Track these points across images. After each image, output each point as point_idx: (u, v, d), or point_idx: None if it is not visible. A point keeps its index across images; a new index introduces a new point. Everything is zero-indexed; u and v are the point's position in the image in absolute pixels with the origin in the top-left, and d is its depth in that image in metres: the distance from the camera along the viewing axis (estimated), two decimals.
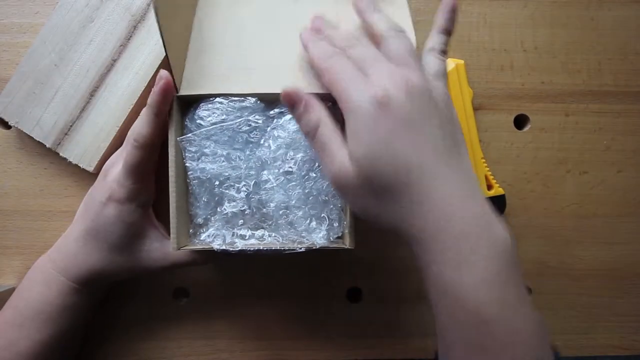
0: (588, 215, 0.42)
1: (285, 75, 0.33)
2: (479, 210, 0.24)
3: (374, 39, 0.29)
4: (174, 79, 0.30)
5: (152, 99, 0.30)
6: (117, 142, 0.37)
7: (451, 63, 0.40)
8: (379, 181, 0.25)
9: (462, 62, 0.40)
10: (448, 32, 0.31)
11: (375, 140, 0.25)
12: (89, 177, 0.38)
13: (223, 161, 0.33)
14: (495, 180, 0.40)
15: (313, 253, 0.31)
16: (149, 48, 0.36)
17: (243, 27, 0.34)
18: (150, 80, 0.36)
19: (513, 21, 0.41)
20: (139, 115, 0.36)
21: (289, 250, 0.31)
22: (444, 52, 0.30)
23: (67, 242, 0.35)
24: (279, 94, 0.32)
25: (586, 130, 0.42)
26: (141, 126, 0.31)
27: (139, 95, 0.36)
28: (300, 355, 0.41)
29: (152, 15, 0.36)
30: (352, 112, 0.25)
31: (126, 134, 0.36)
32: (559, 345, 0.41)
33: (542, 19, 0.42)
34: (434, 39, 0.30)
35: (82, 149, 0.36)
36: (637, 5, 0.42)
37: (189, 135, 0.32)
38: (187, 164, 0.33)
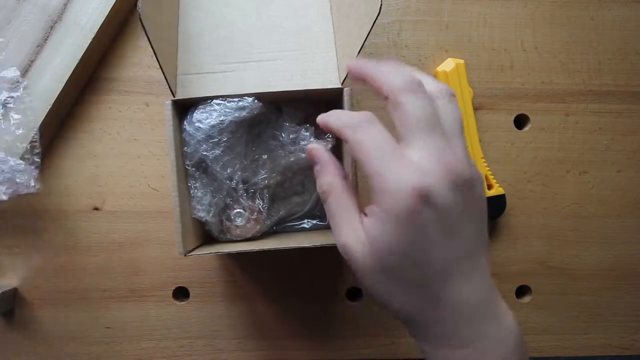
0: (588, 215, 0.42)
1: (281, 68, 0.33)
2: (495, 306, 0.24)
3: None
4: (168, 84, 0.30)
5: None
6: None
7: (451, 63, 0.40)
8: (395, 272, 0.23)
9: (462, 62, 0.40)
10: None
11: (404, 234, 0.22)
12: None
13: (224, 163, 0.33)
14: (495, 180, 0.40)
15: (314, 252, 0.31)
16: (65, 48, 0.36)
17: (229, 19, 0.34)
18: (67, 81, 0.36)
19: (513, 21, 0.41)
20: (56, 117, 0.36)
21: (294, 247, 0.31)
22: None
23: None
24: (275, 92, 0.32)
25: (586, 130, 0.42)
26: None
27: (56, 96, 0.36)
28: (300, 354, 0.41)
29: (68, 15, 0.36)
30: (385, 193, 0.22)
31: (44, 136, 0.36)
32: (560, 346, 0.42)
33: (542, 19, 0.42)
34: None
35: None
36: (637, 5, 0.42)
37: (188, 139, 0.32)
38: (187, 168, 0.32)
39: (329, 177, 0.25)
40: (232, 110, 0.31)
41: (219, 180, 0.33)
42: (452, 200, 0.21)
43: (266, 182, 0.34)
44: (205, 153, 0.32)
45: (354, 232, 0.24)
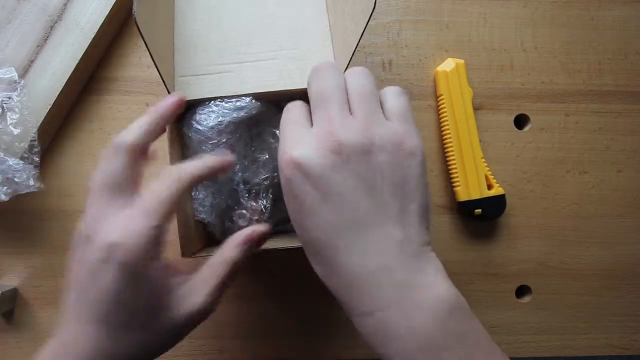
0: (588, 215, 0.42)
1: (278, 67, 0.33)
2: (400, 277, 0.22)
3: None
4: (166, 87, 0.30)
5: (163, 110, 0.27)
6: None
7: (451, 63, 0.40)
8: (301, 240, 0.24)
9: (462, 62, 0.40)
10: None
11: (288, 202, 0.24)
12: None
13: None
14: (495, 180, 0.40)
15: None
16: (65, 48, 0.36)
17: (225, 20, 0.34)
18: (67, 81, 0.36)
19: (513, 21, 0.41)
20: (56, 117, 0.36)
21: (297, 246, 0.31)
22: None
23: (69, 339, 0.24)
24: (272, 92, 0.32)
25: (586, 130, 0.42)
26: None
27: (56, 95, 0.36)
28: (301, 354, 0.41)
29: (68, 15, 0.36)
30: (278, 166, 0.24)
31: (44, 136, 0.36)
32: (560, 346, 0.42)
33: (542, 19, 0.42)
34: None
35: None
36: (637, 5, 0.42)
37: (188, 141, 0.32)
38: None
39: None
40: (230, 111, 0.31)
41: (220, 182, 0.33)
42: (329, 169, 0.22)
43: (267, 182, 0.34)
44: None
45: None
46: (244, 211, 0.34)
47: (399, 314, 0.21)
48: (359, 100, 0.23)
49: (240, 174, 0.33)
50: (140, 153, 0.26)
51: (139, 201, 0.24)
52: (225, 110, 0.31)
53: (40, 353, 0.24)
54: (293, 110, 0.26)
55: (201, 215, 0.33)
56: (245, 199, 0.34)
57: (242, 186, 0.33)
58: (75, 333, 0.24)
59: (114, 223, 0.23)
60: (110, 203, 0.24)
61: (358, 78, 0.24)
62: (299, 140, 0.23)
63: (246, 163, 0.34)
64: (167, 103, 0.28)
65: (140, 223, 0.23)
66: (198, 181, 0.26)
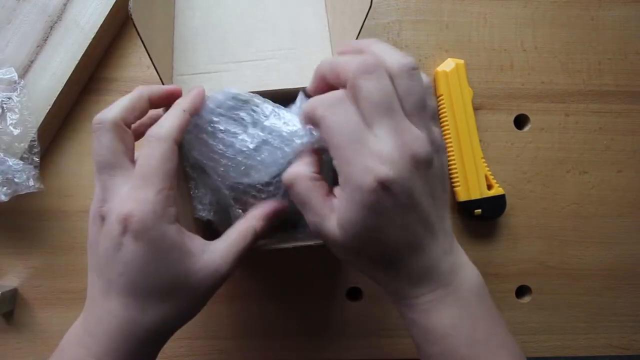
0: (588, 215, 0.42)
1: (277, 66, 0.33)
2: (449, 264, 0.25)
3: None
4: (163, 85, 0.30)
5: (190, 102, 0.28)
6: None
7: (451, 63, 0.40)
8: (361, 249, 0.25)
9: (462, 62, 0.40)
10: None
11: (367, 219, 0.23)
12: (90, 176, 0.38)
13: (215, 164, 0.32)
14: (495, 180, 0.40)
15: (314, 251, 0.31)
16: (65, 48, 0.36)
17: (225, 19, 0.34)
18: (67, 81, 0.36)
19: (513, 21, 0.41)
20: (56, 117, 0.36)
21: (300, 245, 0.30)
22: None
23: (97, 315, 0.26)
24: (272, 91, 0.31)
25: (586, 130, 0.42)
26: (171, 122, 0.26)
27: (56, 96, 0.36)
28: (300, 354, 0.41)
29: (68, 15, 0.36)
30: (350, 182, 0.23)
31: (44, 137, 0.36)
32: (560, 346, 0.42)
33: (542, 19, 0.42)
34: None
35: None
36: (637, 5, 0.42)
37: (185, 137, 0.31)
38: (187, 170, 0.32)
39: (294, 169, 0.26)
40: (219, 108, 0.30)
41: (212, 179, 0.33)
42: (412, 183, 0.23)
43: (265, 180, 0.34)
44: (197, 154, 0.31)
45: (324, 213, 0.25)
46: (241, 211, 0.33)
47: (449, 291, 0.25)
48: (418, 108, 0.23)
49: (234, 174, 0.32)
50: (124, 128, 0.26)
51: (136, 170, 0.24)
52: (215, 107, 0.31)
53: (67, 337, 0.26)
54: (339, 112, 0.23)
55: (200, 213, 0.32)
56: (242, 198, 0.33)
57: (238, 186, 0.32)
58: (105, 308, 0.25)
59: (122, 197, 0.24)
60: (112, 180, 0.25)
61: (411, 82, 0.23)
62: (377, 156, 0.22)
63: (248, 162, 0.33)
64: (156, 87, 0.28)
65: (144, 190, 0.24)
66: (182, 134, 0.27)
